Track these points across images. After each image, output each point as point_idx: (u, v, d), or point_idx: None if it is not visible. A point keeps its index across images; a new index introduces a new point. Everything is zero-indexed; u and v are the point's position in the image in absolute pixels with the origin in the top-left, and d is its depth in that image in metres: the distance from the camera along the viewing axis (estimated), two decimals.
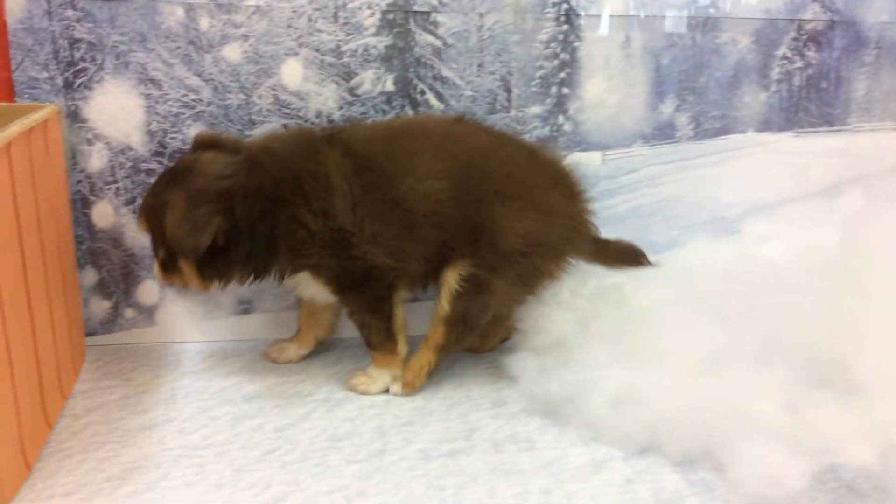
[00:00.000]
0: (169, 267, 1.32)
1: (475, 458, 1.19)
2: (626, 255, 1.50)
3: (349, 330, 1.42)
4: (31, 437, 1.14)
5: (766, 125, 1.69)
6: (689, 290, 1.31)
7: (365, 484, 1.12)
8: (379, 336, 1.36)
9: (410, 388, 1.37)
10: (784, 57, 1.66)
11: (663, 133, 1.65)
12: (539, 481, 1.13)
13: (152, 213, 1.29)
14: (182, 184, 1.27)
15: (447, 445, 1.22)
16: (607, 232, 1.51)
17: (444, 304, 1.35)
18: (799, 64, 1.67)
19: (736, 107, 1.67)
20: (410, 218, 1.31)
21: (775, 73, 1.67)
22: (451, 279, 1.34)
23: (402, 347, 1.38)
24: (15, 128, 1.12)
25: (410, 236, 1.32)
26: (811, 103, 1.70)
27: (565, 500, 1.09)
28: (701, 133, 1.66)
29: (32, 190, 1.20)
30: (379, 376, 1.38)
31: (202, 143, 1.34)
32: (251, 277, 1.34)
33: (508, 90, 1.55)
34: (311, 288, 1.36)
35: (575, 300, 1.34)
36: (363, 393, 1.37)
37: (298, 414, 1.30)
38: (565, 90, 1.58)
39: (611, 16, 1.56)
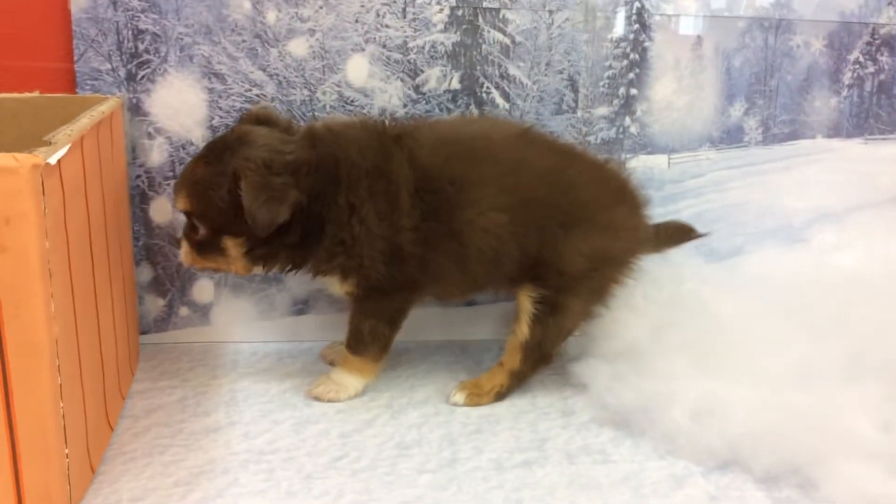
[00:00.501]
0: (208, 246, 1.24)
1: (550, 470, 1.15)
2: (678, 234, 1.48)
3: (403, 332, 1.37)
4: (95, 440, 1.11)
5: (835, 131, 1.64)
6: (769, 300, 1.26)
7: (440, 495, 1.08)
8: (379, 345, 1.32)
9: (475, 403, 1.33)
10: (856, 61, 1.61)
11: (731, 137, 1.60)
12: (619, 497, 1.09)
13: (200, 185, 1.20)
14: (243, 153, 1.18)
15: (519, 456, 1.18)
16: None
17: (524, 329, 1.31)
18: (871, 69, 1.62)
19: (806, 112, 1.62)
20: (463, 251, 1.27)
21: (847, 77, 1.62)
22: (525, 301, 1.31)
23: (385, 357, 1.34)
24: (85, 120, 1.09)
25: (457, 267, 1.28)
26: (882, 109, 1.65)
27: None
28: (770, 138, 1.61)
29: (100, 185, 1.17)
30: (351, 383, 1.33)
31: (255, 118, 1.27)
32: (290, 266, 1.29)
33: (576, 90, 1.51)
34: (334, 286, 1.32)
35: (649, 306, 1.29)
36: (331, 401, 1.31)
37: (362, 420, 1.27)
38: (633, 91, 1.54)
39: (683, 16, 1.52)
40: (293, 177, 1.19)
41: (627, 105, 1.54)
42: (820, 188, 1.65)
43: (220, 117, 1.43)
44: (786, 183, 1.64)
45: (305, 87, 1.44)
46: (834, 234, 1.63)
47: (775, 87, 1.59)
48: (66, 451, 0.98)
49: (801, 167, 1.64)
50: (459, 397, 1.33)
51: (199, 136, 1.43)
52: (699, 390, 1.18)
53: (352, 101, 1.45)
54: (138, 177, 1.44)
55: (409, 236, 1.25)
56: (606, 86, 1.52)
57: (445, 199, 1.25)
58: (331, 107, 1.45)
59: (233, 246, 1.24)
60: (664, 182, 1.58)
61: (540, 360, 1.34)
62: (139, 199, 1.45)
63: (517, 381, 1.35)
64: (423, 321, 1.48)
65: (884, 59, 1.62)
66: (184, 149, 1.43)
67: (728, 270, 1.44)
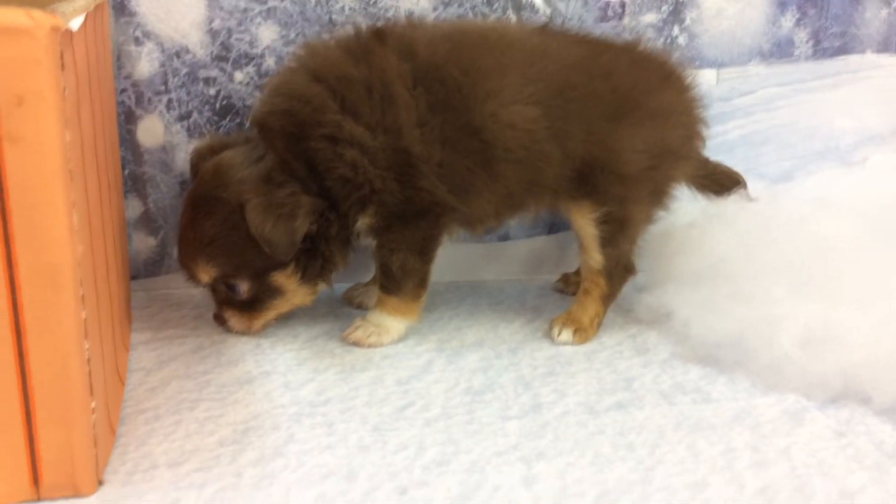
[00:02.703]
0: (260, 297, 1.11)
1: (650, 413, 0.99)
2: (728, 181, 1.33)
3: (437, 272, 1.19)
4: (112, 394, 0.90)
5: (884, 46, 1.52)
6: (867, 222, 1.13)
7: (538, 444, 0.91)
8: (413, 280, 1.14)
9: (584, 339, 1.16)
10: None
11: (781, 50, 1.46)
12: (739, 437, 0.94)
13: (216, 242, 1.06)
14: (228, 184, 1.05)
15: (609, 398, 1.02)
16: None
17: (596, 256, 1.15)
18: None
19: (856, 24, 1.49)
20: (488, 151, 1.09)
21: None
22: (587, 225, 1.15)
23: (425, 295, 1.17)
24: (81, 2, 0.86)
25: (485, 173, 1.10)
26: None
27: (781, 457, 0.90)
28: (820, 52, 1.48)
29: (97, 90, 0.94)
30: (392, 325, 1.15)
31: (208, 151, 1.11)
32: (345, 250, 1.14)
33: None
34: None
35: (740, 218, 1.14)
36: (372, 346, 1.13)
37: (415, 365, 1.09)
38: None
39: None
40: (294, 175, 1.06)
41: (676, 12, 1.38)
42: (868, 108, 1.53)
43: (222, 19, 1.20)
44: (834, 101, 1.51)
45: None
46: (883, 156, 1.52)
47: None
48: (93, 403, 0.77)
49: (850, 84, 1.52)
50: (566, 335, 1.16)
51: (195, 42, 1.21)
52: (808, 315, 1.04)
53: (374, 3, 1.25)
54: (123, 91, 1.21)
55: (416, 134, 1.06)
56: None
57: (457, 89, 1.07)
58: (350, 9, 1.24)
59: (286, 278, 1.10)
60: (712, 100, 1.43)
61: (625, 274, 1.19)
62: (125, 118, 1.22)
63: (610, 303, 1.20)
64: (452, 262, 1.31)
65: None
66: (178, 57, 1.21)
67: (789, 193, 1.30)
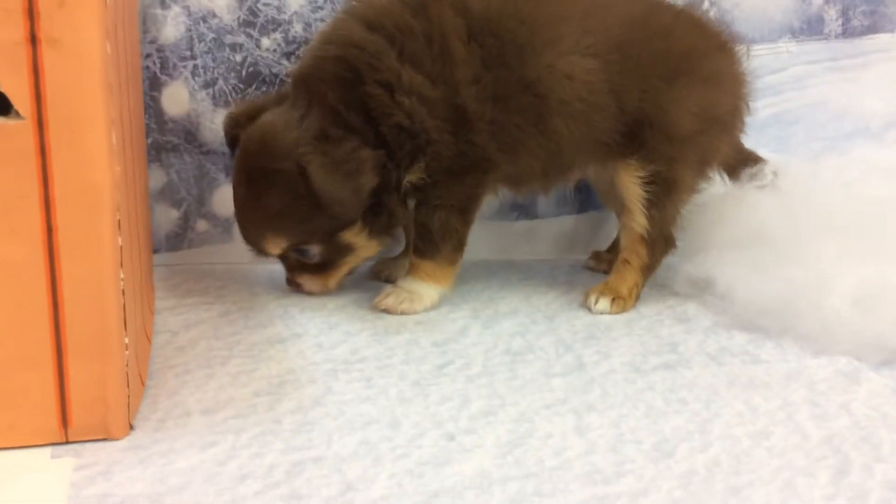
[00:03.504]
0: (332, 259, 1.09)
1: (699, 371, 0.95)
2: (752, 163, 1.29)
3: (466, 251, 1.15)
4: (141, 349, 0.85)
5: None
6: None
7: (587, 398, 0.87)
8: (451, 243, 1.10)
9: (621, 309, 1.13)
10: None
11: (812, 28, 1.44)
12: (796, 393, 0.90)
13: (280, 213, 1.03)
14: (280, 152, 1.01)
15: (655, 359, 0.98)
16: (746, 141, 1.30)
17: (640, 219, 1.12)
18: None
19: (886, 2, 1.48)
20: (542, 105, 1.06)
21: None
22: (632, 185, 1.11)
23: (461, 261, 1.13)
24: None
25: (536, 129, 1.07)
26: None
27: (842, 411, 0.86)
28: (850, 30, 1.46)
29: (126, 45, 0.91)
30: (426, 292, 1.11)
31: (246, 117, 1.07)
32: (405, 204, 1.11)
33: None
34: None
35: (782, 182, 1.11)
36: (404, 312, 1.09)
37: (452, 330, 1.05)
38: None
39: None
40: (346, 130, 1.02)
41: None
42: None
43: None
44: (864, 81, 1.49)
45: None
46: None
47: None
48: (126, 339, 0.73)
49: (880, 64, 1.50)
50: (604, 304, 1.12)
51: (222, 6, 1.18)
52: (860, 275, 1.00)
53: None
54: (148, 56, 1.18)
55: (472, 91, 1.04)
56: None
57: (512, 41, 1.05)
58: None
59: (355, 235, 1.07)
60: (752, 91, 1.41)
61: (666, 246, 1.15)
62: (148, 84, 1.19)
63: (649, 275, 1.16)
64: (481, 240, 1.27)
65: None
66: (204, 21, 1.18)
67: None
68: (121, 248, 0.70)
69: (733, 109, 1.17)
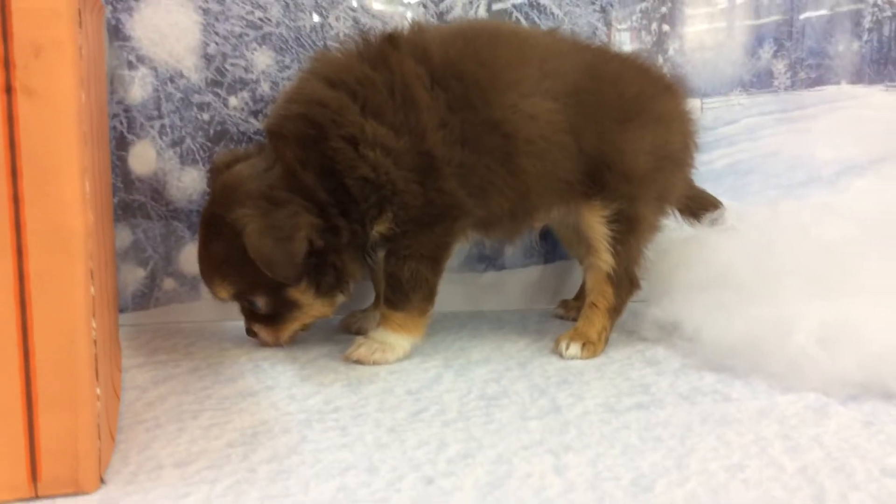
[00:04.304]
0: (280, 312, 1.10)
1: (672, 411, 0.96)
2: (708, 204, 1.32)
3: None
4: (110, 406, 0.84)
5: (857, 77, 1.57)
6: (870, 227, 1.14)
7: (563, 438, 0.87)
8: (422, 292, 1.10)
9: (592, 354, 1.14)
10: (875, 3, 1.56)
11: (761, 81, 1.50)
12: (768, 428, 0.91)
13: (227, 262, 1.05)
14: (232, 205, 1.03)
15: (629, 400, 0.99)
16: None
17: (606, 257, 1.14)
18: (888, 13, 1.57)
19: (830, 55, 1.54)
20: (509, 145, 1.08)
21: (867, 21, 1.56)
22: (597, 225, 1.14)
23: (431, 312, 1.14)
24: None
25: (505, 169, 1.09)
26: None
27: (814, 443, 0.87)
28: (798, 83, 1.52)
29: (94, 102, 0.92)
30: (398, 342, 1.11)
31: (221, 168, 1.10)
32: (361, 260, 1.11)
33: (608, 24, 1.38)
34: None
35: (742, 225, 1.14)
36: (376, 363, 1.09)
37: (425, 378, 1.04)
38: (666, 27, 1.42)
39: None
40: (299, 190, 1.03)
41: (660, 42, 1.42)
42: (847, 138, 1.57)
43: (217, 44, 1.20)
44: (815, 131, 1.55)
45: (316, 12, 1.23)
46: (864, 183, 1.55)
47: (801, 29, 1.51)
48: (98, 390, 0.72)
49: (828, 115, 1.56)
50: (574, 349, 1.13)
51: (189, 67, 1.20)
52: (822, 313, 1.03)
53: (369, 29, 1.26)
54: (115, 116, 1.19)
55: (439, 136, 1.06)
56: (639, 20, 1.40)
57: (476, 83, 1.07)
58: (344, 35, 1.25)
59: (301, 293, 1.08)
60: (698, 129, 1.46)
61: (631, 287, 1.17)
62: (115, 144, 1.20)
63: (616, 318, 1.17)
64: (449, 293, 1.28)
65: None
66: (172, 82, 1.20)
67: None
68: (93, 297, 0.70)
69: (683, 147, 1.21)
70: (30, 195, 0.65)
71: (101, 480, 0.74)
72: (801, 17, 1.50)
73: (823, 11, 1.51)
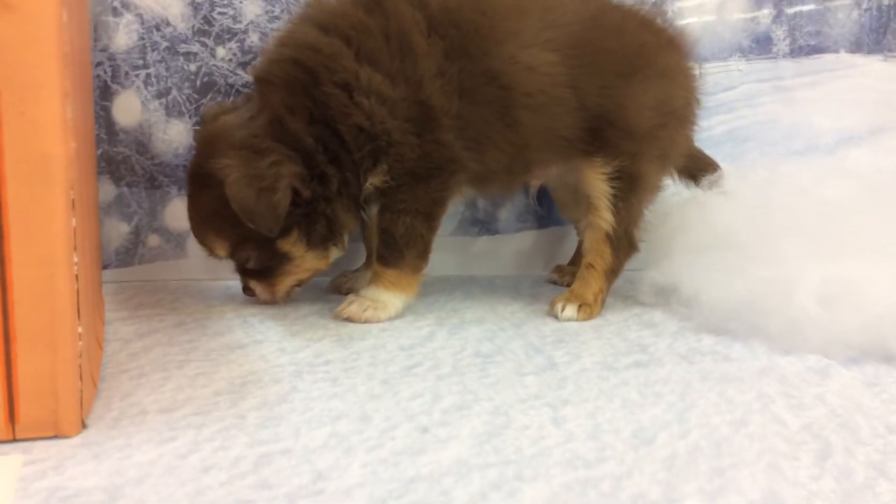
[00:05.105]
0: (273, 266, 1.06)
1: (672, 369, 0.93)
2: (706, 165, 1.30)
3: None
4: (93, 354, 0.81)
5: (857, 46, 1.55)
6: (871, 187, 1.11)
7: (561, 392, 0.85)
8: (416, 249, 1.07)
9: (588, 316, 1.11)
10: None
11: (760, 47, 1.47)
12: (769, 387, 0.89)
13: (215, 215, 1.01)
14: (215, 155, 0.99)
15: (626, 359, 0.96)
16: None
17: (606, 215, 1.11)
18: None
19: (829, 23, 1.52)
20: (507, 97, 1.05)
21: None
22: (598, 182, 1.11)
23: (425, 269, 1.11)
24: None
25: (502, 122, 1.06)
26: None
27: (817, 401, 0.85)
28: (796, 50, 1.50)
29: (79, 44, 0.88)
30: (390, 300, 1.08)
31: (209, 119, 1.06)
32: (355, 211, 1.08)
33: None
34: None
35: (740, 190, 1.12)
36: (368, 321, 1.06)
37: (418, 336, 1.02)
38: None
39: None
40: (283, 138, 1.00)
41: (659, 3, 1.39)
42: (845, 107, 1.55)
43: None
44: (813, 100, 1.53)
45: None
46: (862, 153, 1.53)
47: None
48: (80, 328, 0.69)
49: (827, 83, 1.54)
50: (570, 311, 1.10)
51: (176, 14, 1.16)
52: (823, 273, 1.00)
53: None
54: (99, 64, 1.15)
55: (436, 85, 1.02)
56: None
57: (475, 31, 1.04)
58: None
59: (292, 245, 1.04)
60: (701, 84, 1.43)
61: (629, 248, 1.14)
62: (99, 94, 1.15)
63: (613, 280, 1.15)
64: (440, 257, 1.25)
65: None
66: (158, 30, 1.16)
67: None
68: (75, 229, 0.67)
69: (687, 103, 1.18)
70: (7, 118, 0.62)
71: (83, 424, 0.71)
72: None
73: None
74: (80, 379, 0.69)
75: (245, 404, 0.77)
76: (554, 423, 0.77)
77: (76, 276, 0.67)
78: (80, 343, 0.69)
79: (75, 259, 0.67)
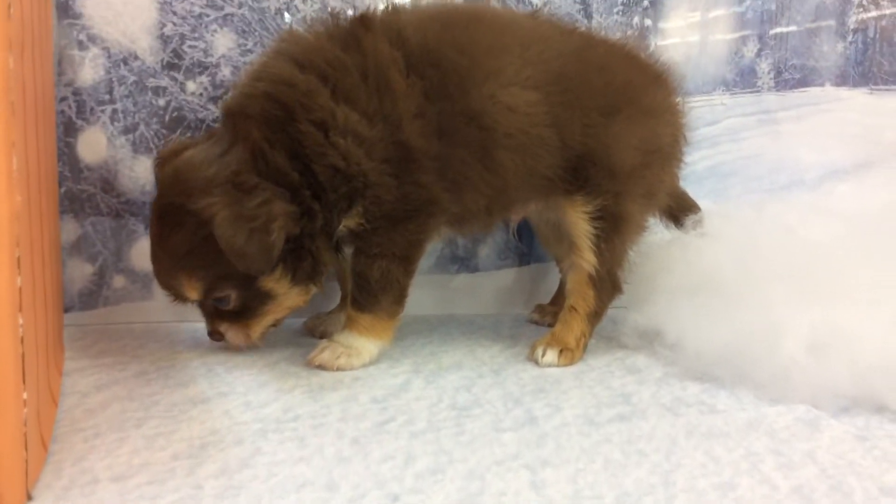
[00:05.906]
0: (252, 306, 1.00)
1: (656, 423, 0.89)
2: (687, 206, 1.27)
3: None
4: (44, 411, 0.76)
5: (842, 79, 1.53)
6: (859, 227, 1.09)
7: (540, 452, 0.81)
8: (392, 294, 1.03)
9: (569, 361, 1.07)
10: (860, 4, 1.52)
11: (745, 80, 1.45)
12: (758, 442, 0.85)
13: (191, 255, 0.96)
14: (193, 193, 0.93)
15: (609, 411, 0.92)
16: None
17: (589, 256, 1.07)
18: (874, 13, 1.53)
19: (815, 56, 1.50)
20: (487, 138, 1.02)
21: (852, 21, 1.52)
22: (580, 222, 1.07)
23: (401, 315, 1.07)
24: None
25: (482, 164, 1.03)
26: (884, 58, 1.56)
27: (807, 459, 0.82)
28: (781, 83, 1.48)
29: (38, 81, 0.84)
30: (365, 347, 1.04)
31: (168, 158, 1.00)
32: (334, 249, 1.04)
33: (589, 15, 1.32)
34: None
35: (725, 230, 1.08)
36: (341, 368, 1.01)
37: (392, 385, 0.97)
38: (648, 21, 1.36)
39: None
40: (265, 173, 0.95)
41: (641, 37, 1.36)
42: (830, 141, 1.52)
43: (174, 24, 1.12)
44: (798, 134, 1.50)
45: None
46: (847, 187, 1.51)
47: (786, 27, 1.47)
48: (25, 394, 0.64)
49: (812, 117, 1.52)
50: (551, 356, 1.06)
51: (145, 48, 1.12)
52: (811, 319, 0.97)
53: (338, 14, 1.19)
54: (63, 99, 1.11)
55: (416, 126, 0.99)
56: (621, 13, 1.34)
57: (454, 71, 1.01)
58: (311, 19, 1.17)
59: (275, 282, 0.99)
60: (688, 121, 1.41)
61: (613, 290, 1.11)
62: (63, 129, 1.11)
63: (596, 323, 1.11)
64: (419, 295, 1.21)
65: (885, 2, 1.53)
66: (125, 64, 1.12)
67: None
68: (20, 289, 0.62)
69: (674, 140, 1.15)
70: None
71: (28, 496, 0.66)
72: (786, 15, 1.46)
73: (807, 11, 1.47)
74: (26, 448, 0.65)
75: (203, 471, 0.72)
76: (532, 487, 0.73)
77: (21, 339, 0.63)
78: (26, 410, 0.64)
79: (20, 321, 0.62)
